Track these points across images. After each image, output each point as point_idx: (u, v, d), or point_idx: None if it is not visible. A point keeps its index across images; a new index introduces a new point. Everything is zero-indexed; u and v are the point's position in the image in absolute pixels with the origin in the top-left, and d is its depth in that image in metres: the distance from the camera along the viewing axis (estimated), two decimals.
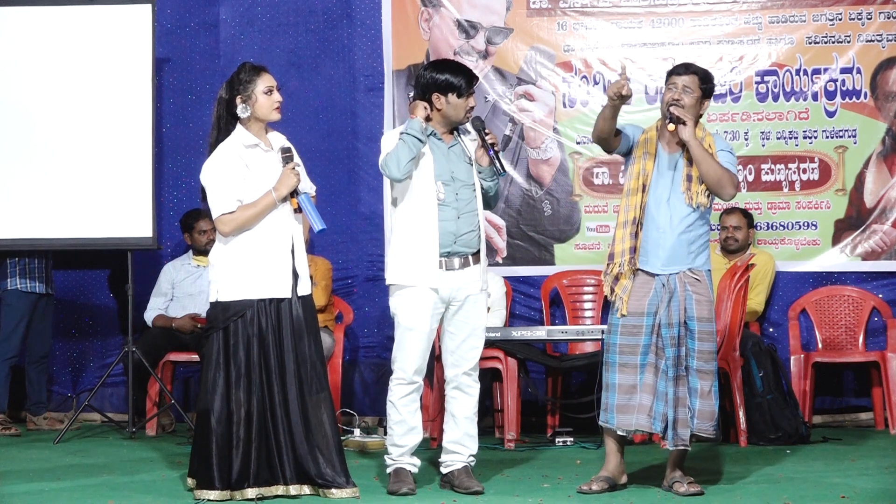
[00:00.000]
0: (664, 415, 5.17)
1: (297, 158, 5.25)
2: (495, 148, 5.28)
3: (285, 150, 5.23)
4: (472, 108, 5.31)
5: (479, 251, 5.34)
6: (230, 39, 8.11)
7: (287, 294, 5.17)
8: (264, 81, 5.18)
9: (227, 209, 5.12)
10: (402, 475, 5.31)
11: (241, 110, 5.16)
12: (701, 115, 5.32)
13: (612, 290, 5.29)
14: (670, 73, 5.32)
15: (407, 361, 5.28)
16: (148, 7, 7.40)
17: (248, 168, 5.16)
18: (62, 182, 7.34)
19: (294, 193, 5.18)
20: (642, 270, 5.26)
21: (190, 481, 5.22)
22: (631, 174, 5.31)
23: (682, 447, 5.20)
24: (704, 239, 5.31)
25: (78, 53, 7.40)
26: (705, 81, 5.29)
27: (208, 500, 5.03)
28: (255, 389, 5.10)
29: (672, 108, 5.20)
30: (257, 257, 5.14)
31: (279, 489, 5.10)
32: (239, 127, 5.20)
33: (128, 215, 7.35)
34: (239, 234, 5.14)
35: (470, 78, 5.30)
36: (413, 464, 5.37)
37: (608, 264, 5.32)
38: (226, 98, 5.20)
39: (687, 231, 5.23)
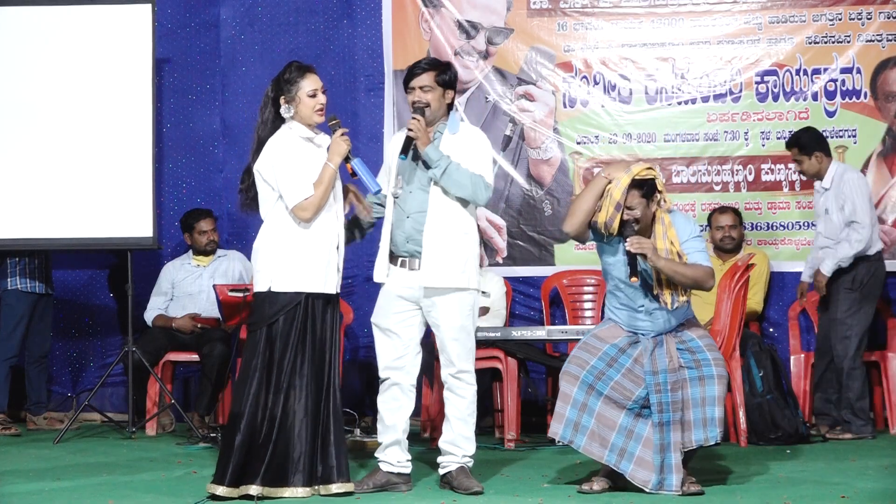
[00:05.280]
0: (622, 450, 5.14)
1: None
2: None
3: (331, 119, 5.23)
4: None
5: (441, 252, 5.22)
6: (230, 39, 8.11)
7: (335, 290, 5.20)
8: (310, 83, 5.18)
9: (307, 194, 5.10)
10: (376, 473, 5.33)
11: (285, 111, 5.17)
12: (665, 201, 5.27)
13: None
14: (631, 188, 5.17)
15: (378, 358, 5.33)
16: (148, 7, 7.40)
17: (306, 155, 5.17)
18: (62, 182, 7.34)
19: (347, 159, 5.19)
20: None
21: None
22: (606, 272, 5.34)
23: (677, 493, 5.10)
24: (689, 301, 5.32)
25: (78, 53, 7.40)
26: (641, 186, 5.16)
27: (214, 494, 5.03)
28: (289, 390, 5.10)
29: (628, 248, 5.11)
30: (312, 251, 5.14)
31: (286, 491, 5.08)
32: (291, 121, 5.20)
33: (128, 215, 7.34)
34: (289, 228, 5.13)
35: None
36: (387, 461, 5.32)
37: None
38: (272, 97, 5.21)
39: (676, 310, 5.27)
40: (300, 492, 5.08)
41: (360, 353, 7.96)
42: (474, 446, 5.38)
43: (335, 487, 5.11)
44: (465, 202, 5.26)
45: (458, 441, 5.33)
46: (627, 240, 5.13)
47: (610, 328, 5.34)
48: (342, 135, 5.18)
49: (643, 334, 5.29)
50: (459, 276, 5.24)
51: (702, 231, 5.36)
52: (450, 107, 5.36)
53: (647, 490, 5.11)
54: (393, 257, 5.31)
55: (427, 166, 5.22)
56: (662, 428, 5.12)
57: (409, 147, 5.22)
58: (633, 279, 5.15)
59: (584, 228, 5.27)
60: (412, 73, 5.31)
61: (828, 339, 7.03)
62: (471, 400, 5.34)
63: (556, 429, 5.20)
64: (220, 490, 5.02)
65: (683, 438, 5.12)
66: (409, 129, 5.20)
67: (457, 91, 5.43)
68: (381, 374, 5.33)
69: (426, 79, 5.28)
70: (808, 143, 7.02)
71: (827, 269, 6.90)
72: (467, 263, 5.28)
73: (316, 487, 5.11)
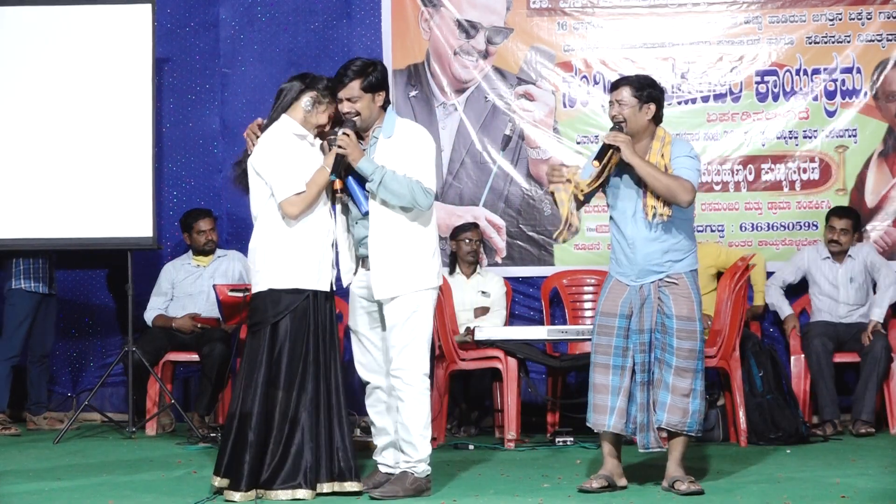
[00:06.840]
0: (634, 417, 5.23)
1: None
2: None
3: (330, 133, 5.23)
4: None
5: (387, 263, 5.12)
6: (230, 39, 8.11)
7: (328, 287, 5.23)
8: (332, 108, 5.21)
9: (298, 189, 5.10)
10: (375, 474, 5.34)
11: (306, 103, 5.18)
12: (659, 120, 5.25)
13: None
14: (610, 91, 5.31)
15: (356, 363, 5.33)
16: (148, 7, 7.40)
17: (300, 152, 5.18)
18: (62, 182, 7.34)
19: (340, 174, 5.16)
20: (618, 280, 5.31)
21: (219, 480, 5.15)
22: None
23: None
24: (685, 244, 5.26)
25: (78, 53, 7.40)
26: (640, 89, 5.19)
27: (233, 501, 5.02)
28: (295, 388, 5.12)
29: (604, 139, 5.15)
30: (308, 248, 5.16)
31: (323, 488, 5.11)
32: (287, 117, 5.20)
33: (128, 215, 7.35)
34: (285, 225, 5.14)
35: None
36: (385, 463, 5.34)
37: None
38: (301, 87, 5.20)
39: (659, 241, 5.20)
40: (325, 487, 5.11)
41: None
42: (420, 451, 5.14)
43: (349, 486, 5.14)
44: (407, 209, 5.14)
45: (401, 445, 5.19)
46: (606, 137, 5.15)
47: (609, 293, 5.29)
48: (340, 147, 5.16)
49: (628, 277, 5.24)
50: (408, 282, 5.12)
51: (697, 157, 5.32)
52: (384, 107, 5.20)
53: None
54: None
55: (364, 179, 5.11)
56: (643, 387, 5.20)
57: (339, 166, 5.10)
58: (595, 162, 5.16)
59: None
60: (340, 81, 5.14)
61: (823, 339, 7.12)
62: (411, 403, 5.10)
63: (601, 420, 5.22)
64: (238, 496, 5.01)
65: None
66: (339, 147, 5.08)
67: (387, 90, 5.20)
68: (363, 379, 5.32)
69: (354, 88, 5.11)
70: (859, 224, 7.28)
71: (880, 316, 7.16)
72: (417, 266, 5.14)
73: (331, 484, 5.15)
